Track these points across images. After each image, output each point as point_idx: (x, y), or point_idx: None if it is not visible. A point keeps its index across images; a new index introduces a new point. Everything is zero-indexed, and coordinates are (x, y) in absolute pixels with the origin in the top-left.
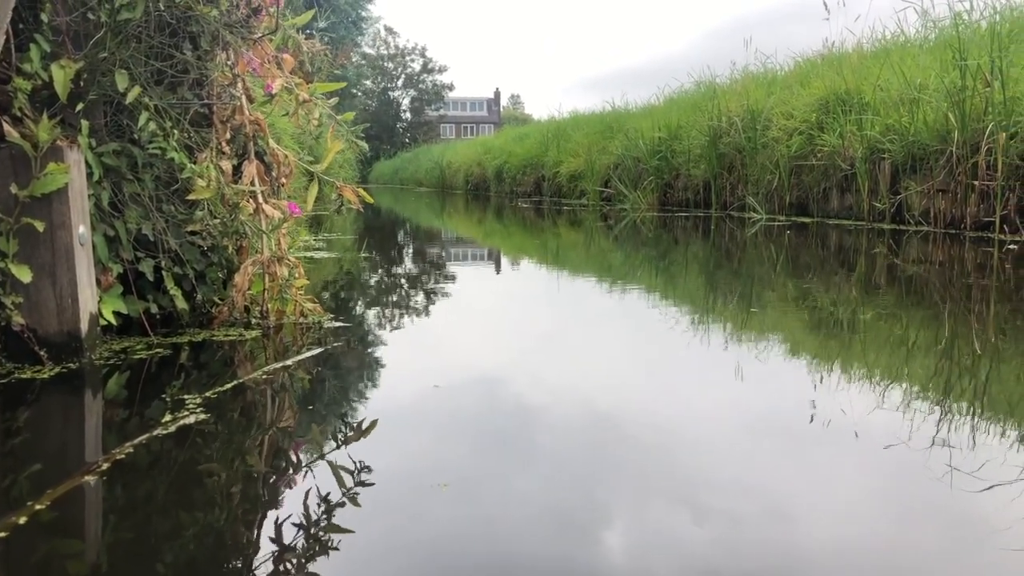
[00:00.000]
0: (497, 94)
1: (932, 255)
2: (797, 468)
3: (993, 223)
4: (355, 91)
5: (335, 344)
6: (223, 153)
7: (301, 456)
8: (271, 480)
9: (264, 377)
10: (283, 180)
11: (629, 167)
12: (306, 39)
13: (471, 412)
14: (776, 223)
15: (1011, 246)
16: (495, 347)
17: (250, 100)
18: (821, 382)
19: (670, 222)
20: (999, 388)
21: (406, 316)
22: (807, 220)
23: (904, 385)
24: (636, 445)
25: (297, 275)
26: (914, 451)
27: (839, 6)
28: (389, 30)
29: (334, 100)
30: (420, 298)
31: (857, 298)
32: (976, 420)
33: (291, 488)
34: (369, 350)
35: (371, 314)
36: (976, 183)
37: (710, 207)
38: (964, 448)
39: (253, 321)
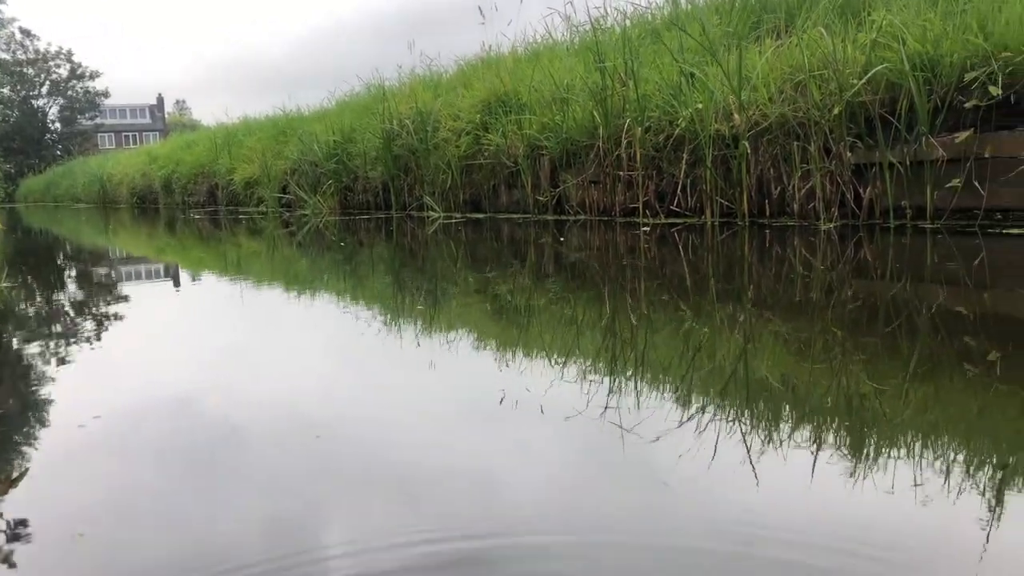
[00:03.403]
0: (160, 100)
1: (591, 241)
2: (497, 445)
3: (637, 209)
4: None
5: None
6: None
7: None
8: None
9: None
10: None
11: (307, 172)
12: None
13: (140, 440)
14: (453, 220)
15: (644, 228)
16: (167, 369)
17: None
18: (508, 365)
19: (353, 225)
20: (654, 354)
21: (61, 349)
22: (480, 216)
23: (577, 360)
24: (336, 446)
25: None
26: (590, 418)
27: (493, 11)
28: (26, 33)
29: None
30: (82, 327)
31: (530, 286)
32: (638, 384)
33: None
34: (12, 392)
35: (14, 352)
36: (621, 173)
37: (391, 208)
38: (632, 410)
39: None
